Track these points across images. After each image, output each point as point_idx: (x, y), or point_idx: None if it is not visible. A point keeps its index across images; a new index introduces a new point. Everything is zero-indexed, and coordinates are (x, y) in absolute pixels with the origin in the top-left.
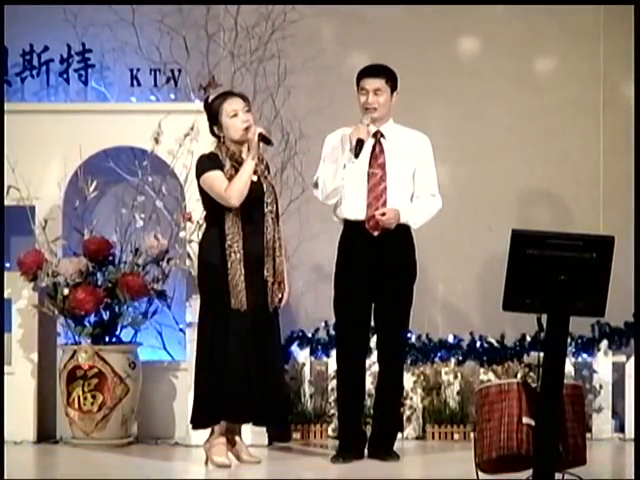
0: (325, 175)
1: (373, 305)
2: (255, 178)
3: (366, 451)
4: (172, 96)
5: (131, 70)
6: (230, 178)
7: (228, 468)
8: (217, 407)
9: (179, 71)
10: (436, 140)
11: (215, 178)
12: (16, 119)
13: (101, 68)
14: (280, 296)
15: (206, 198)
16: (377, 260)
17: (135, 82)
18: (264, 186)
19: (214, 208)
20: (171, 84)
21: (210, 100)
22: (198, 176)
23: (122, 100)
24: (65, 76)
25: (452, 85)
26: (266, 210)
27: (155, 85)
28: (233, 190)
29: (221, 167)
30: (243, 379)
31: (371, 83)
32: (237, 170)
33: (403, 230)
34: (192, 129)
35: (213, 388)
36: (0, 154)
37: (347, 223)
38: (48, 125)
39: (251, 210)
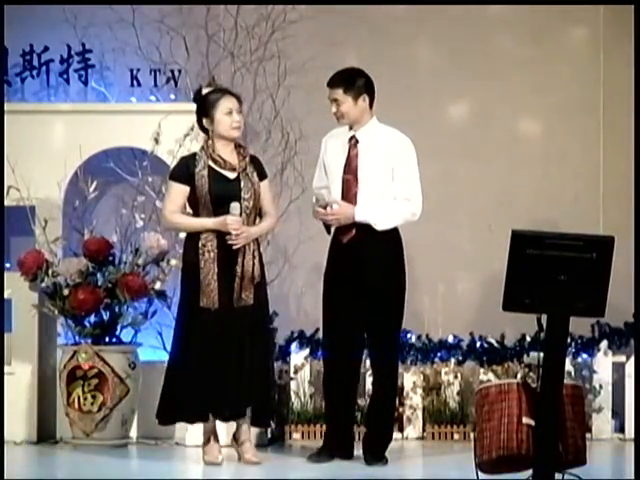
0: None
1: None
2: (234, 175)
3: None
4: (172, 96)
5: (131, 70)
6: (210, 170)
7: (219, 466)
8: (177, 405)
9: (179, 71)
10: (436, 140)
11: (172, 192)
12: (16, 119)
13: (101, 68)
14: (247, 293)
15: (190, 197)
16: (355, 267)
17: (135, 82)
18: (242, 182)
19: (193, 206)
20: (171, 84)
21: (205, 92)
22: (168, 176)
23: (122, 100)
24: (65, 76)
25: (451, 85)
26: (243, 206)
27: (155, 85)
28: (170, 222)
29: (190, 180)
30: (211, 378)
31: (331, 94)
32: (216, 162)
33: (378, 235)
34: (192, 129)
35: (176, 386)
36: (0, 154)
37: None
38: (48, 125)
39: (227, 208)
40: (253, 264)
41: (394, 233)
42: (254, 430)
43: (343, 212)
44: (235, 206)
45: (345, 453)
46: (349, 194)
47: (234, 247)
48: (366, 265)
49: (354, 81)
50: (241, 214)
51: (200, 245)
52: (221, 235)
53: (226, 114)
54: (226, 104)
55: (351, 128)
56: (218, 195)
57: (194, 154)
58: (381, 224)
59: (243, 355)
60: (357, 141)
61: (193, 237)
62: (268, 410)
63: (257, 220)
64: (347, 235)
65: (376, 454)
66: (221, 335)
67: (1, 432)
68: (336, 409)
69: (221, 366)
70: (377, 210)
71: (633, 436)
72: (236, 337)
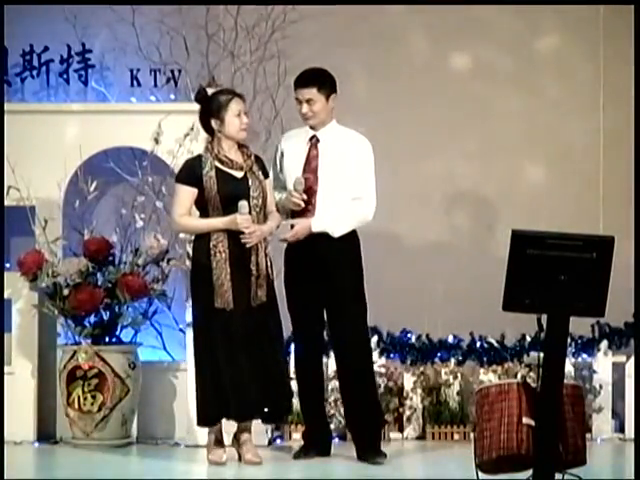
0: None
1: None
2: (241, 174)
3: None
4: (172, 96)
5: (131, 70)
6: (217, 171)
7: (223, 466)
8: (214, 406)
9: (179, 71)
10: (436, 140)
11: (181, 195)
12: (16, 119)
13: (101, 68)
14: (264, 291)
15: (197, 197)
16: (314, 265)
17: (135, 82)
18: (250, 181)
19: (201, 207)
20: (171, 84)
21: (211, 93)
22: (175, 179)
23: (122, 100)
24: (65, 76)
25: (451, 85)
26: (252, 204)
27: (155, 85)
28: (181, 224)
29: (198, 182)
30: (233, 378)
31: (303, 93)
32: (222, 162)
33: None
34: (192, 129)
35: (208, 388)
36: (0, 154)
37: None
38: (48, 125)
39: (237, 207)
40: (266, 262)
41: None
42: (254, 430)
43: (301, 228)
44: (243, 204)
45: (323, 450)
46: (308, 192)
47: (247, 246)
48: (329, 263)
49: (326, 80)
50: (250, 212)
51: (211, 246)
52: (232, 235)
53: (236, 116)
54: (236, 106)
55: (312, 128)
56: (227, 195)
57: (199, 156)
58: (338, 231)
59: (263, 353)
60: (318, 140)
61: (202, 238)
62: (285, 407)
63: (265, 219)
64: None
65: (371, 450)
66: (239, 335)
67: (1, 432)
68: (310, 408)
69: (243, 365)
70: (332, 217)
71: (633, 436)
72: (254, 336)
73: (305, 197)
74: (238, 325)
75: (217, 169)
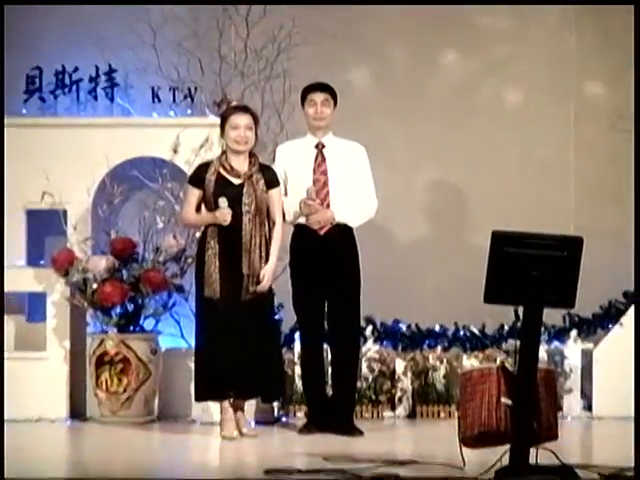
0: (291, 205)
1: (326, 300)
2: (239, 181)
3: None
4: (189, 111)
5: (152, 88)
6: (218, 176)
7: (234, 440)
8: (206, 385)
9: (195, 89)
10: (428, 150)
11: (188, 195)
12: (50, 132)
13: (125, 86)
14: (254, 288)
15: (203, 198)
16: (325, 257)
17: (156, 99)
18: (245, 188)
19: (205, 207)
20: (188, 101)
21: (225, 107)
22: (187, 181)
23: (144, 115)
24: (93, 94)
25: (442, 101)
26: (243, 210)
27: (174, 101)
28: (186, 219)
29: (201, 184)
30: (220, 361)
31: (320, 95)
32: (225, 169)
33: (346, 230)
34: (207, 140)
35: (199, 369)
36: (0, 159)
37: (297, 226)
38: (78, 137)
39: (230, 210)
40: (260, 262)
41: (351, 229)
42: (262, 408)
43: (324, 215)
44: (222, 200)
45: (327, 426)
46: (321, 192)
47: (259, 291)
48: (340, 256)
49: (335, 92)
50: (242, 216)
51: (206, 241)
52: (221, 232)
53: (233, 129)
54: (234, 120)
55: (315, 135)
56: (220, 198)
57: (210, 162)
58: (357, 222)
59: (251, 339)
60: (324, 146)
61: (203, 234)
62: (277, 390)
63: (264, 224)
64: (324, 228)
65: (350, 425)
66: (227, 323)
67: (1, 431)
68: (312, 391)
69: (229, 350)
70: (351, 209)
71: (602, 415)
72: (242, 324)
73: (319, 201)
74: (226, 313)
75: (218, 174)
